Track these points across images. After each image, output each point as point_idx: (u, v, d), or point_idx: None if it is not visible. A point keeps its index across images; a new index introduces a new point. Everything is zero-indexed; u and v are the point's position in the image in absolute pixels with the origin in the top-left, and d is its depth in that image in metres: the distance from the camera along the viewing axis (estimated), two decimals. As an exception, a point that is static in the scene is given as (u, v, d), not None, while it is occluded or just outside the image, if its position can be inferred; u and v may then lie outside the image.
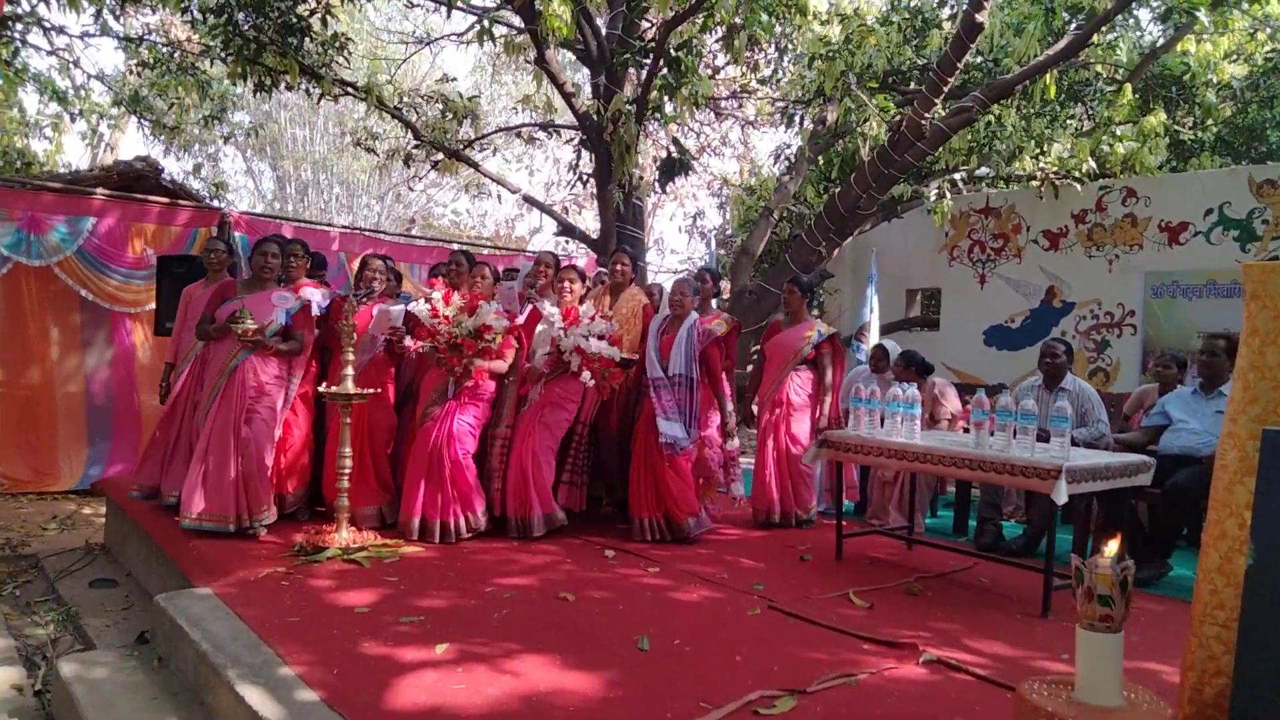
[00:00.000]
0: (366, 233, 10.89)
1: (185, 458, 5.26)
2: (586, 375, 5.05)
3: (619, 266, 5.80)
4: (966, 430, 5.86)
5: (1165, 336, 8.43)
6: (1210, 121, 10.12)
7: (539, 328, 5.33)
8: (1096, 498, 4.36)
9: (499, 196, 12.80)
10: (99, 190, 8.15)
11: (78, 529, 6.82)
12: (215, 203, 10.68)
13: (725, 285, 9.73)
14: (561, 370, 5.19)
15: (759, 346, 6.04)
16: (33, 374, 7.84)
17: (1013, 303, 9.53)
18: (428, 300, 5.07)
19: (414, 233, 16.69)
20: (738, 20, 7.16)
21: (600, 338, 5.12)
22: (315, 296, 5.18)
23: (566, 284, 5.33)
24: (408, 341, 5.10)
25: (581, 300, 5.37)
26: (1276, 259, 7.80)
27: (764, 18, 7.14)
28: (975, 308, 9.80)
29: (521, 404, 5.35)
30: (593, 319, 5.17)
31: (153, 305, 7.94)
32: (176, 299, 6.20)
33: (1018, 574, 4.71)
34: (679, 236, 32.80)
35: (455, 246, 11.43)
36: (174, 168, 15.91)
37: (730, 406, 5.56)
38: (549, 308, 5.27)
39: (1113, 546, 2.33)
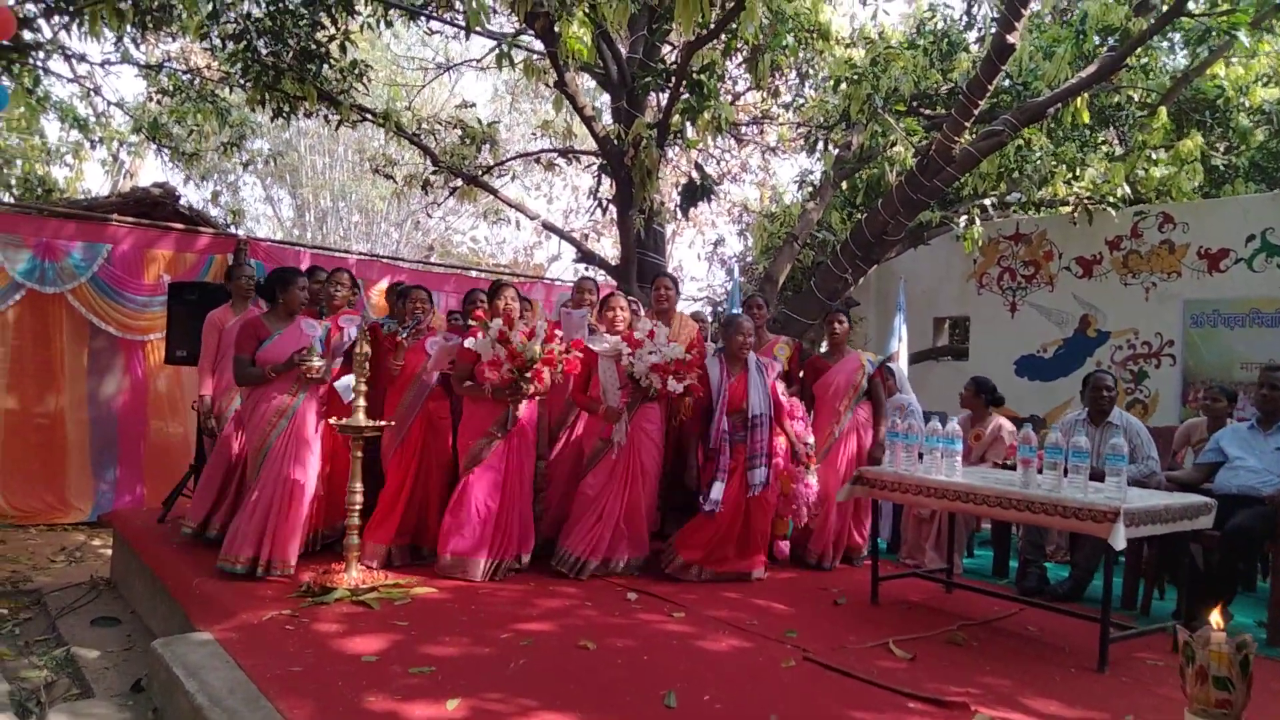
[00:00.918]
0: (384, 259, 10.76)
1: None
2: (673, 382, 4.86)
3: (663, 291, 5.58)
4: (1008, 466, 5.60)
5: (1206, 367, 8.12)
6: (1244, 146, 9.85)
7: (600, 365, 5.06)
8: (1148, 540, 4.09)
9: (518, 223, 12.67)
10: (114, 216, 8.06)
11: (85, 561, 6.64)
12: (232, 229, 10.60)
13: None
14: (641, 399, 5.01)
15: (796, 384, 5.78)
16: (45, 403, 7.70)
17: (1045, 332, 9.25)
18: (485, 331, 4.81)
19: (432, 259, 16.62)
20: (761, 42, 6.99)
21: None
22: (352, 328, 4.94)
23: (617, 311, 5.12)
24: (489, 374, 4.77)
25: (630, 328, 5.18)
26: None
27: (789, 40, 6.96)
28: (1005, 337, 9.52)
29: (597, 451, 5.15)
30: (652, 334, 4.98)
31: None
32: (187, 326, 6.06)
33: (1067, 621, 4.42)
34: (697, 264, 32.68)
35: (473, 273, 11.34)
36: (193, 195, 15.94)
37: (812, 439, 5.34)
38: (609, 338, 5.05)
39: (1216, 617, 2.06)
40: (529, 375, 4.72)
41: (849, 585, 5.10)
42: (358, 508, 4.53)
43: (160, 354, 8.06)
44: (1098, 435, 5.10)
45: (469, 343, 4.83)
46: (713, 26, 6.80)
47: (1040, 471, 4.10)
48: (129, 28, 9.37)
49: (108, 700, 3.83)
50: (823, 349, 6.38)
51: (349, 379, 4.95)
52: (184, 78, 10.59)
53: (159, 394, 8.17)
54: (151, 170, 16.82)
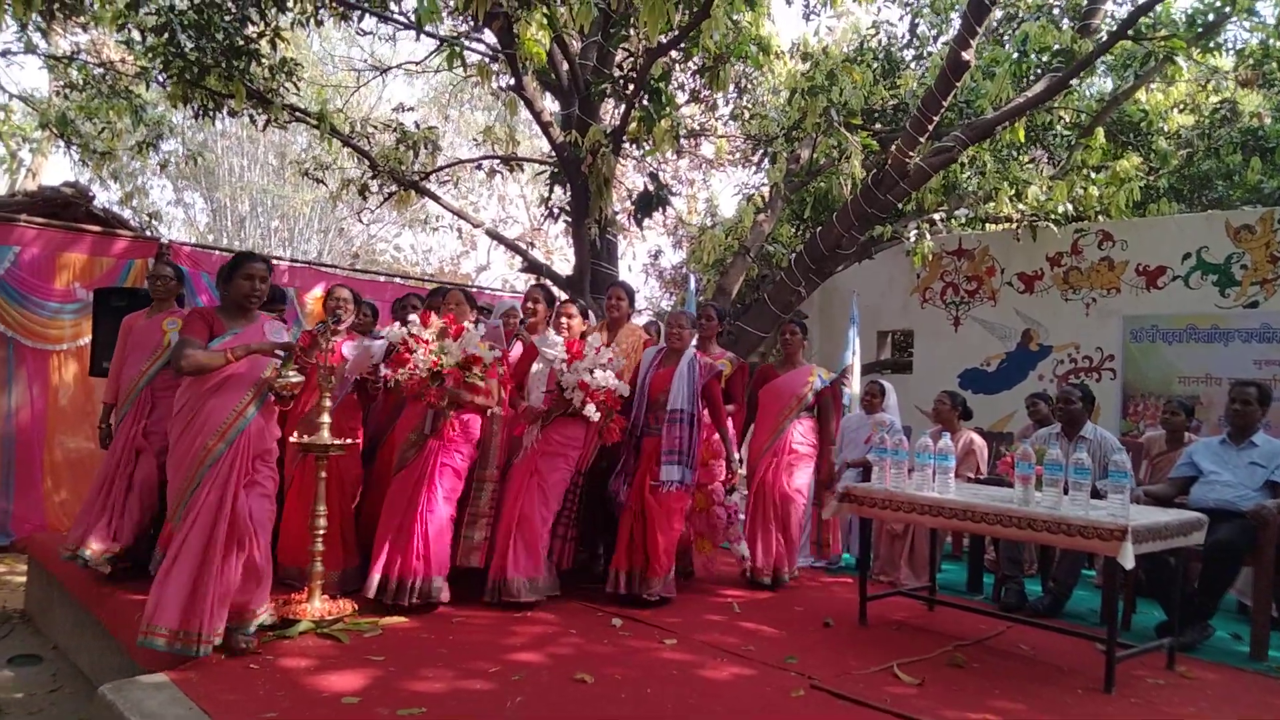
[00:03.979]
0: (317, 266, 10.29)
1: (130, 512, 4.69)
2: (591, 409, 4.58)
3: (614, 301, 5.37)
4: (979, 480, 5.58)
5: (1145, 381, 8.34)
6: (1163, 169, 10.25)
7: (535, 366, 4.84)
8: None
9: (458, 230, 12.29)
10: (23, 216, 7.44)
11: (-9, 592, 6.06)
12: (149, 233, 9.97)
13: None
14: (561, 411, 4.71)
15: (739, 405, 5.62)
16: (-62, 417, 7.04)
17: (988, 346, 9.38)
18: (404, 327, 4.55)
19: (356, 268, 16.04)
20: (724, 52, 6.87)
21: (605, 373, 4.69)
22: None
23: (565, 319, 4.88)
24: (383, 370, 4.49)
25: (583, 337, 4.92)
26: (1255, 305, 7.80)
27: (751, 49, 6.87)
28: (949, 351, 9.63)
29: (513, 447, 4.86)
30: (598, 350, 4.73)
31: (82, 341, 7.28)
32: (115, 335, 5.57)
33: (1055, 638, 4.39)
34: (629, 274, 32.55)
35: (398, 280, 10.93)
36: (101, 197, 15.03)
37: (736, 455, 5.16)
38: (553, 337, 4.80)
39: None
40: (440, 375, 4.40)
41: (831, 605, 4.99)
42: (321, 532, 4.18)
43: (71, 366, 7.50)
44: (1070, 449, 5.11)
45: (386, 332, 4.61)
46: (675, 34, 6.66)
47: (1037, 489, 4.04)
48: (35, 15, 8.76)
49: (44, 755, 3.42)
50: (771, 361, 6.29)
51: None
52: (95, 71, 9.95)
53: (68, 408, 7.57)
54: (55, 169, 15.82)
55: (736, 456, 5.17)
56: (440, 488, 4.48)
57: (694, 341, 5.13)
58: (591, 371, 4.64)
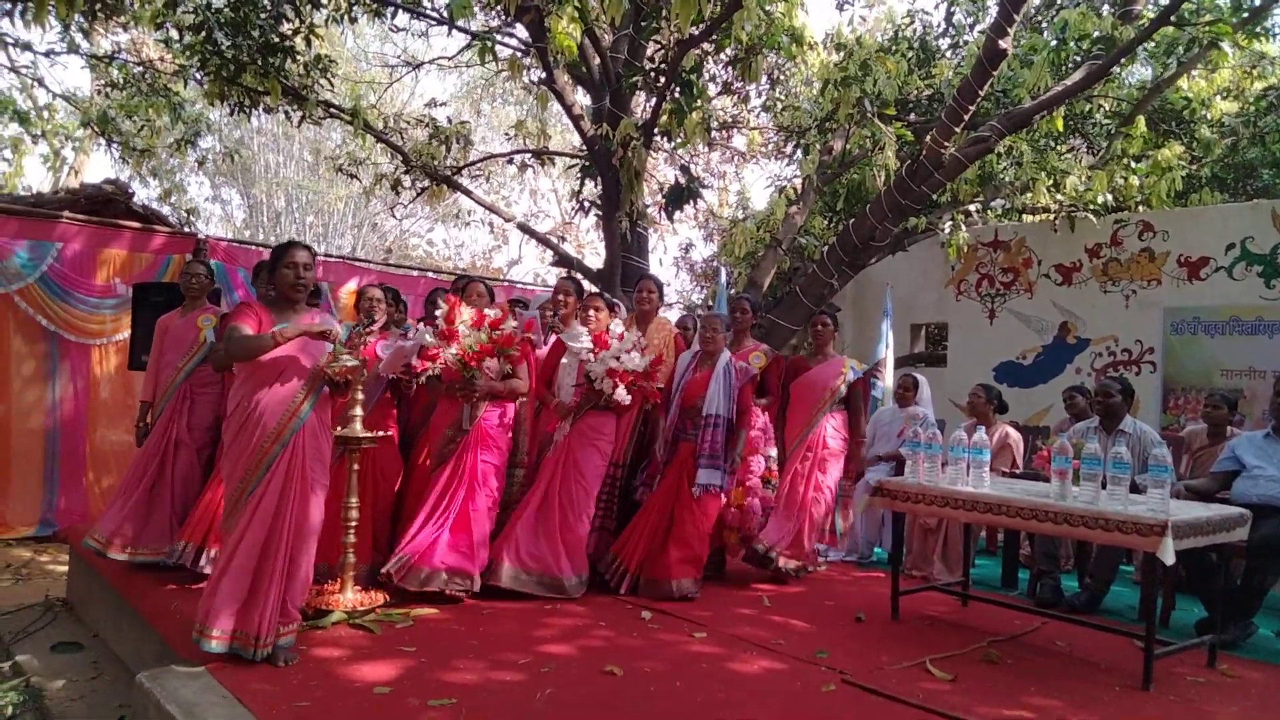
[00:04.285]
0: (351, 261, 10.37)
1: (160, 508, 4.76)
2: (621, 391, 4.59)
3: (644, 294, 5.36)
4: (1014, 474, 5.51)
5: (1186, 374, 8.17)
6: (1206, 157, 10.02)
7: (563, 360, 4.86)
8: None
9: (490, 225, 12.34)
10: (65, 214, 7.58)
11: (34, 580, 6.17)
12: (188, 229, 10.13)
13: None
14: (592, 403, 4.72)
15: (775, 397, 5.58)
16: (-13, 409, 7.21)
17: (1024, 339, 9.24)
18: (432, 322, 4.59)
19: (389, 263, 16.18)
20: (756, 42, 6.82)
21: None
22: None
23: (591, 311, 4.88)
24: (414, 362, 4.54)
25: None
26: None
27: (783, 40, 6.81)
28: (984, 344, 9.50)
29: (543, 439, 4.88)
30: (621, 337, 4.73)
31: (121, 336, 7.41)
32: (153, 331, 5.67)
33: (1092, 634, 4.32)
34: (659, 269, 32.51)
35: (430, 275, 10.98)
36: (141, 194, 15.29)
37: (773, 451, 5.13)
38: (579, 328, 4.82)
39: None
40: (468, 364, 4.44)
41: (863, 600, 4.94)
42: (353, 524, 4.22)
43: (111, 359, 7.65)
44: (1109, 443, 5.02)
45: (416, 333, 4.61)
46: (707, 25, 6.62)
47: (1076, 484, 3.97)
48: (78, 16, 8.91)
49: (84, 739, 3.48)
50: (802, 353, 6.24)
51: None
52: (135, 70, 10.11)
53: (109, 401, 7.72)
54: (97, 167, 16.14)
55: (773, 453, 5.13)
56: (482, 486, 4.54)
57: (727, 344, 5.13)
58: (618, 358, 4.65)
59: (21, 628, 5.04)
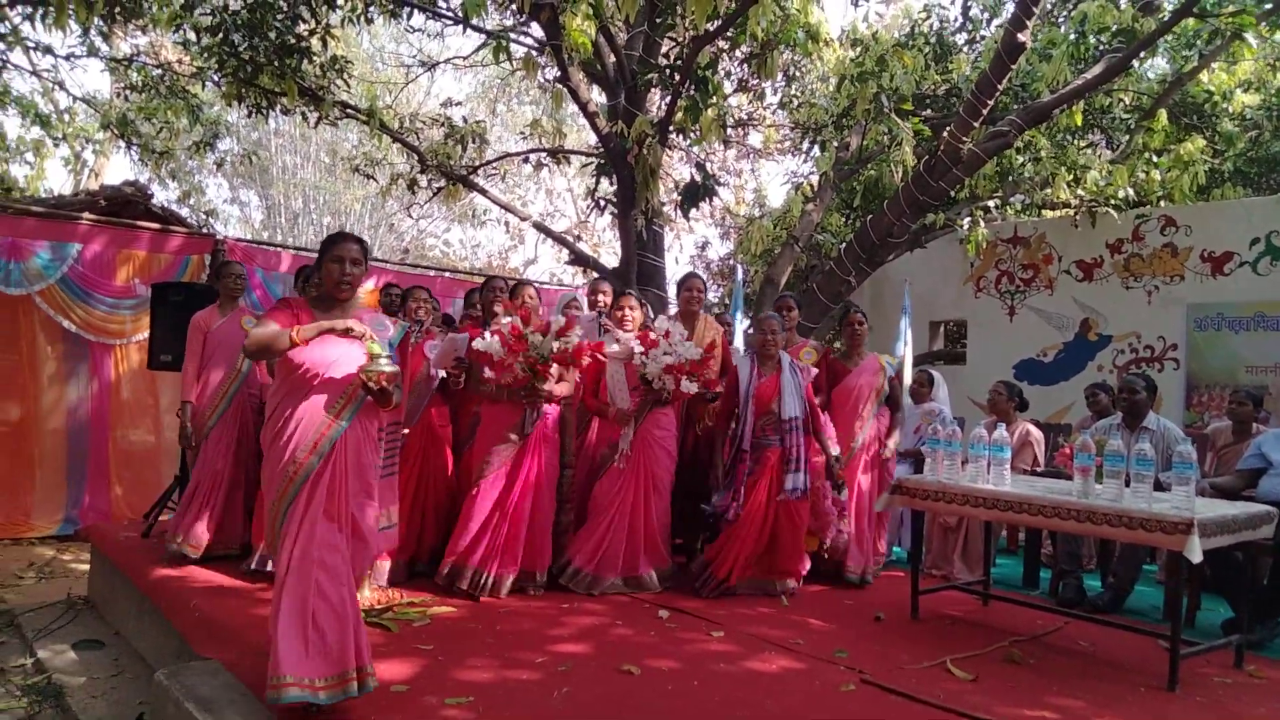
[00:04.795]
0: (372, 262, 10.39)
1: (226, 510, 4.97)
2: (687, 382, 4.58)
3: (694, 292, 5.32)
4: (1035, 472, 5.45)
5: (1210, 371, 8.06)
6: (1229, 151, 9.88)
7: (610, 369, 4.83)
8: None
9: (505, 224, 12.35)
10: (85, 215, 7.65)
11: (57, 579, 6.24)
12: (204, 230, 10.18)
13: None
14: (653, 403, 4.75)
15: (825, 393, 5.54)
16: (8, 410, 7.28)
17: (1045, 336, 9.15)
18: (495, 329, 4.56)
19: (406, 263, 16.23)
20: (771, 38, 6.78)
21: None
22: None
23: (626, 310, 4.86)
24: (487, 373, 4.52)
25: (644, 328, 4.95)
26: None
27: (799, 35, 6.76)
28: (1004, 341, 9.42)
29: (607, 453, 4.89)
30: (667, 335, 4.70)
31: (141, 336, 7.46)
32: (172, 329, 5.70)
33: (1116, 634, 4.26)
34: (677, 267, 32.51)
35: (447, 275, 11.00)
36: (160, 196, 15.43)
37: (836, 451, 5.09)
38: (623, 335, 4.81)
39: None
40: (540, 373, 4.46)
41: (882, 599, 4.90)
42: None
43: (131, 359, 7.70)
44: (1133, 441, 4.95)
45: (478, 343, 4.52)
46: (721, 21, 6.59)
47: (1097, 481, 3.92)
48: (97, 19, 8.98)
49: (104, 737, 3.50)
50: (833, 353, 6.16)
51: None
52: (154, 73, 10.18)
53: (129, 401, 7.77)
54: (117, 169, 16.30)
55: (836, 452, 5.08)
56: (548, 488, 4.66)
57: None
58: (672, 352, 4.65)
59: (44, 625, 5.09)
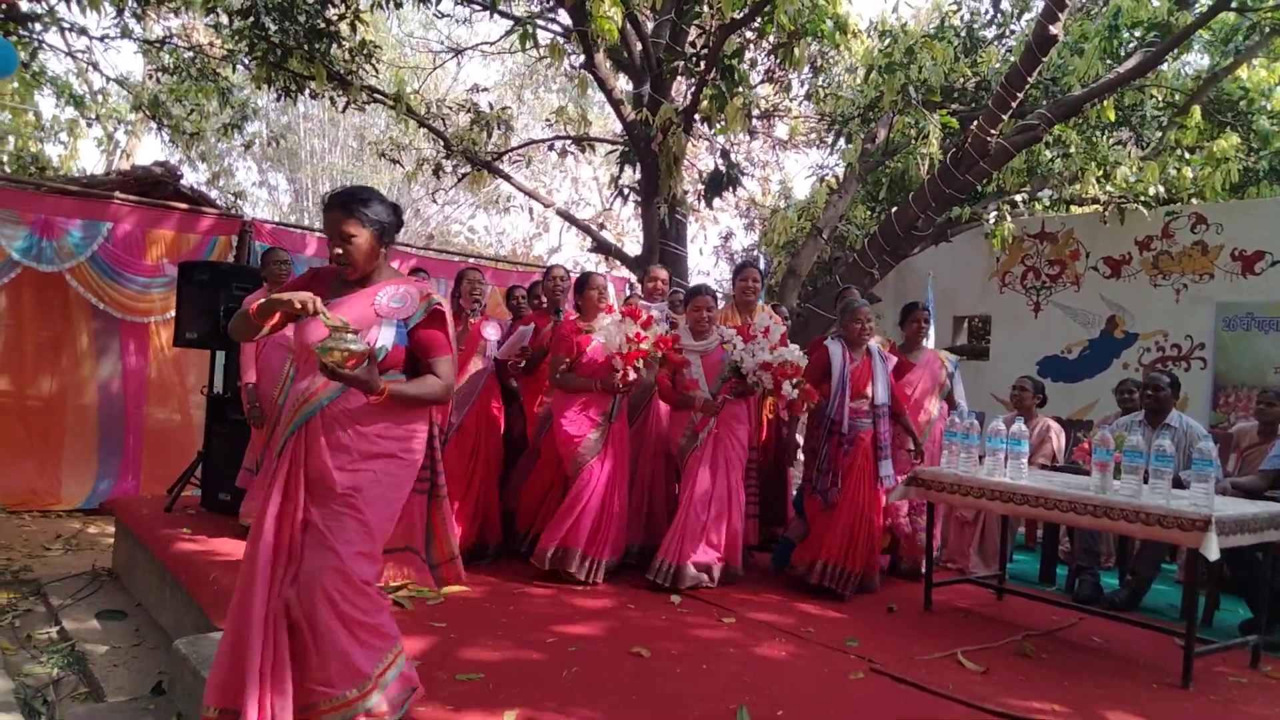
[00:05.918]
0: (398, 247, 10.46)
1: None
2: (788, 387, 4.57)
3: (751, 283, 5.32)
4: (1055, 467, 5.41)
5: (1238, 371, 7.95)
6: (1265, 149, 9.71)
7: (690, 362, 4.83)
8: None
9: (530, 210, 12.38)
10: (117, 194, 7.75)
11: (83, 550, 6.35)
12: (233, 212, 10.29)
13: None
14: (739, 394, 4.78)
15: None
16: (40, 385, 7.40)
17: (1070, 333, 9.05)
18: (619, 328, 4.66)
19: (431, 248, 16.30)
20: (798, 28, 6.74)
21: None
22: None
23: (703, 311, 4.83)
24: (630, 374, 4.59)
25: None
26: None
27: (828, 25, 6.72)
28: (1029, 337, 9.33)
29: (683, 445, 4.86)
30: (766, 332, 4.73)
31: (169, 314, 7.55)
32: (198, 308, 5.77)
33: (1131, 631, 4.23)
34: (700, 258, 32.47)
35: (471, 261, 11.04)
36: (190, 177, 15.60)
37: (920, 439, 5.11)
38: (727, 331, 4.84)
39: None
40: (638, 364, 4.60)
41: (895, 591, 4.89)
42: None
43: (160, 337, 7.80)
44: (1154, 437, 4.90)
45: (599, 336, 4.64)
46: (749, 10, 6.57)
47: (1115, 477, 3.89)
48: (131, 1, 9.08)
49: (124, 703, 3.56)
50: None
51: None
52: (186, 55, 10.29)
53: (157, 378, 7.88)
54: (148, 150, 16.48)
55: (917, 436, 5.09)
56: (625, 473, 4.75)
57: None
58: (771, 351, 4.65)
59: (70, 595, 5.19)
